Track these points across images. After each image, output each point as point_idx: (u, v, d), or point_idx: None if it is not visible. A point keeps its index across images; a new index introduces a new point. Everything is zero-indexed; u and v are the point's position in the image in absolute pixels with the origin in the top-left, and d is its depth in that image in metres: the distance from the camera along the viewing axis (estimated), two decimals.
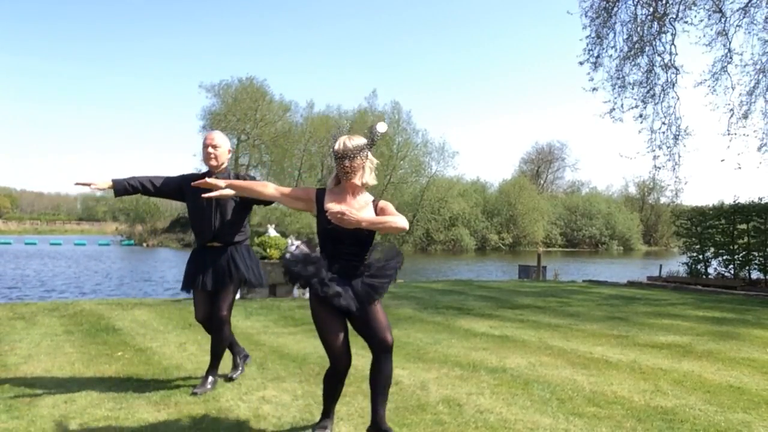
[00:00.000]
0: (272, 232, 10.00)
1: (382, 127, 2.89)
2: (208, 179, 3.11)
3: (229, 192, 3.22)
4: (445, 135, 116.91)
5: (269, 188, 3.00)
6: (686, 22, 11.96)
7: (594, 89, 12.56)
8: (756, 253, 12.85)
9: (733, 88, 12.06)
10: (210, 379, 3.79)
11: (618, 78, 12.51)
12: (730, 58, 11.91)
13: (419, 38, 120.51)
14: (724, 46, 11.91)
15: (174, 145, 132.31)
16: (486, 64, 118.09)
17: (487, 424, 3.12)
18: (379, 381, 2.87)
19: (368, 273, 2.92)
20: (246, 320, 6.74)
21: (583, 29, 12.60)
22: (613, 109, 12.53)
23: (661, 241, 70.26)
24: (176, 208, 67.63)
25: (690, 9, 11.99)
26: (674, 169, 12.69)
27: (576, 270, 29.54)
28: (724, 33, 11.80)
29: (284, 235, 10.26)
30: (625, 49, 12.40)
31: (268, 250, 9.38)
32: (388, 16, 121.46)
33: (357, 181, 2.85)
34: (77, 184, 3.80)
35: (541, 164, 77.18)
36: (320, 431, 2.99)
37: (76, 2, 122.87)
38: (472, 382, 3.98)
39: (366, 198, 2.93)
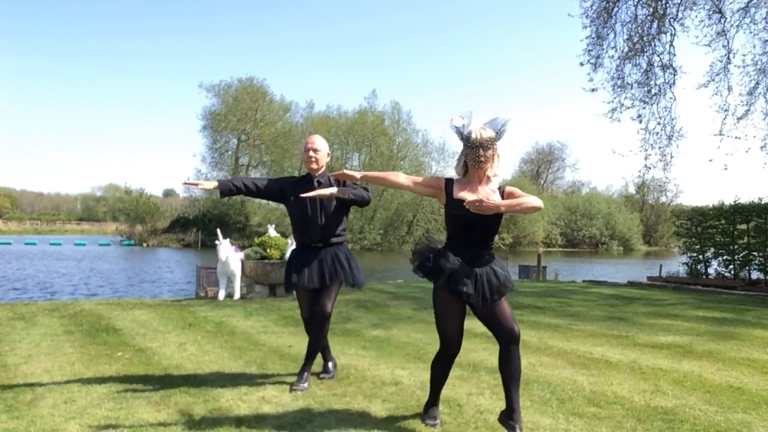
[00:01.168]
0: (272, 232, 10.00)
1: (459, 121, 2.98)
2: (319, 191, 3.63)
3: (328, 192, 3.64)
4: (445, 135, 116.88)
5: (401, 177, 3.09)
6: (683, 25, 11.97)
7: (594, 90, 12.57)
8: (756, 253, 12.84)
9: (730, 89, 12.07)
10: (305, 375, 3.87)
11: (618, 78, 12.52)
12: (729, 58, 11.92)
13: (419, 38, 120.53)
14: (724, 46, 11.92)
15: (174, 145, 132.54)
16: (486, 65, 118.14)
17: (487, 424, 3.12)
18: (511, 372, 2.94)
19: (495, 263, 3.01)
20: (246, 320, 6.74)
21: (584, 29, 12.62)
22: (614, 109, 12.54)
23: (661, 242, 70.26)
24: (176, 208, 67.76)
25: (690, 9, 12.00)
26: (665, 169, 12.71)
27: (576, 270, 29.54)
28: (723, 33, 11.81)
29: (284, 235, 10.25)
30: (625, 49, 12.41)
31: (268, 250, 9.38)
32: (388, 16, 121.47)
33: (489, 171, 2.94)
34: (185, 184, 4.17)
35: (541, 164, 77.18)
36: (431, 421, 3.09)
37: (76, 2, 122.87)
38: (472, 382, 3.98)
39: (492, 186, 3.00)
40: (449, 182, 3.01)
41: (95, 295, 15.84)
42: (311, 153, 4.03)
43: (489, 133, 2.90)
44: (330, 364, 4.19)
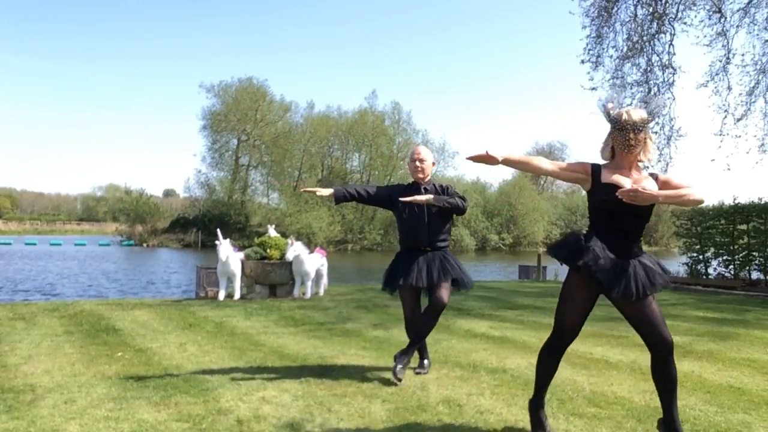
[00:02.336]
0: (272, 232, 10.00)
1: (608, 101, 2.82)
2: (416, 196, 3.97)
3: (423, 198, 3.99)
4: (445, 135, 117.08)
5: (544, 162, 2.92)
6: (685, 23, 11.96)
7: (593, 88, 12.56)
8: (756, 254, 12.84)
9: (730, 89, 12.06)
10: (405, 360, 3.97)
11: (617, 77, 12.51)
12: (729, 58, 11.91)
13: (419, 38, 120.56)
14: (724, 46, 11.92)
15: (174, 145, 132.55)
16: (486, 65, 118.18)
17: (487, 425, 3.12)
18: (670, 386, 2.74)
19: (645, 256, 2.78)
20: (246, 320, 6.73)
21: (584, 29, 12.62)
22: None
23: (661, 241, 70.17)
24: (176, 208, 67.73)
25: (690, 9, 12.00)
26: (664, 170, 12.69)
27: None
28: (723, 33, 11.81)
29: (284, 235, 10.25)
30: (625, 48, 12.41)
31: (268, 250, 9.38)
32: (388, 17, 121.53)
33: (641, 155, 2.76)
34: (304, 191, 4.48)
35: None
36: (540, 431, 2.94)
37: (76, 2, 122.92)
38: (472, 382, 3.98)
39: (643, 172, 2.84)
40: (596, 167, 2.80)
41: (101, 296, 15.82)
42: (417, 163, 4.25)
43: (641, 115, 2.70)
44: (426, 362, 4.31)
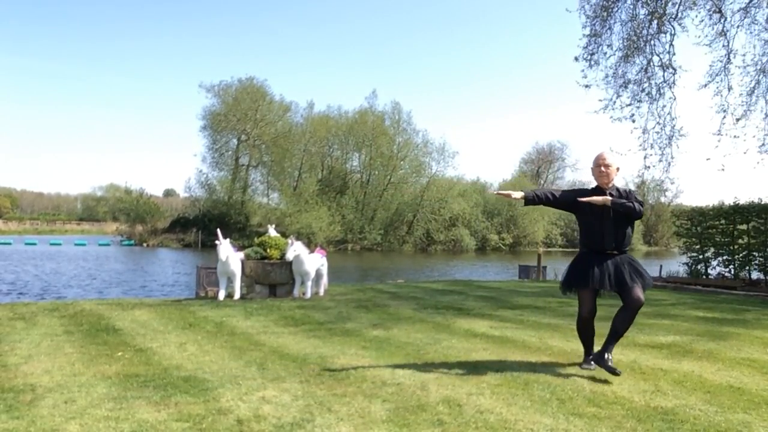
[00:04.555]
0: (272, 232, 10.00)
1: None
2: (594, 197, 4.13)
3: (601, 199, 4.12)
4: (445, 135, 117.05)
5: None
6: (682, 26, 11.95)
7: (587, 86, 12.53)
8: (756, 254, 12.84)
9: (730, 89, 12.04)
10: (607, 356, 4.14)
11: (615, 77, 12.49)
12: (729, 58, 11.90)
13: (419, 38, 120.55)
14: (724, 46, 11.90)
15: (174, 145, 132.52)
16: (486, 64, 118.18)
17: (487, 424, 3.12)
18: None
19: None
20: (246, 320, 6.73)
21: (583, 28, 12.60)
22: (608, 107, 12.49)
23: (661, 241, 70.21)
24: (176, 208, 67.74)
25: (690, 9, 11.98)
26: (666, 169, 12.68)
27: None
28: (723, 33, 11.79)
29: (284, 235, 10.25)
30: (623, 48, 12.39)
31: (268, 250, 9.38)
32: (388, 16, 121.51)
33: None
34: (498, 194, 4.57)
35: (542, 164, 77.15)
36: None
37: (76, 2, 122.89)
38: (472, 382, 3.98)
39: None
40: None
41: (105, 295, 15.81)
42: (603, 168, 4.30)
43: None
44: (591, 359, 4.38)
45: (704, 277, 14.03)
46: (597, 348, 4.38)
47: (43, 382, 3.91)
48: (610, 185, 4.34)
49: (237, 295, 9.00)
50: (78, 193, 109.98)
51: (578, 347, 5.20)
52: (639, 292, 4.15)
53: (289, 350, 5.02)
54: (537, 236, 60.04)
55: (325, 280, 9.91)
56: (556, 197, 4.42)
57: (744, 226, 13.04)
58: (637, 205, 4.22)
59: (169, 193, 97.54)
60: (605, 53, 12.43)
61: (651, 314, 7.52)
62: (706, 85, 12.21)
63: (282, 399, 3.56)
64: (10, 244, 46.90)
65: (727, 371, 4.37)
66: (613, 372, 4.04)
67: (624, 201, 4.20)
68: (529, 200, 4.35)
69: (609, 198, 4.18)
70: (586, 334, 4.42)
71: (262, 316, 7.03)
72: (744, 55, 12.06)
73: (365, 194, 55.38)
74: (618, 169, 4.37)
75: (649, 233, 70.90)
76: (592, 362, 4.33)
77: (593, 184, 4.42)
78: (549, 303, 8.65)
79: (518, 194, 4.34)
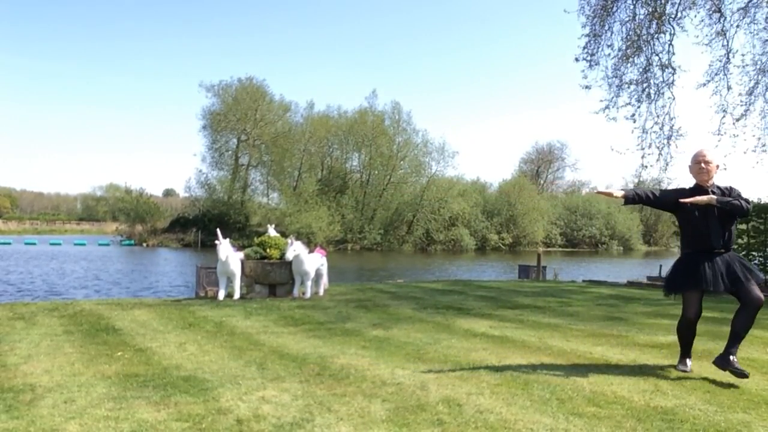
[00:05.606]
0: (272, 232, 10.00)
1: None
2: (697, 198, 4.04)
3: (705, 199, 4.04)
4: (445, 135, 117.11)
5: None
6: (683, 24, 11.94)
7: (587, 87, 12.52)
8: (756, 254, 12.83)
9: (729, 89, 12.04)
10: (732, 358, 4.08)
11: (615, 77, 12.49)
12: (729, 58, 11.89)
13: (419, 38, 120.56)
14: (723, 46, 11.90)
15: (174, 145, 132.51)
16: (486, 64, 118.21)
17: (487, 424, 3.12)
18: None
19: None
20: (246, 320, 6.73)
21: (583, 28, 12.59)
22: (608, 107, 12.48)
23: (661, 241, 70.23)
24: (176, 208, 67.67)
25: (689, 9, 11.98)
26: (664, 169, 12.67)
27: (576, 270, 29.54)
28: (723, 33, 11.79)
29: (284, 235, 10.25)
30: (623, 47, 12.38)
31: (267, 250, 9.37)
32: (388, 16, 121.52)
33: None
34: (599, 192, 4.50)
35: (541, 164, 77.19)
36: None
37: (76, 2, 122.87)
38: (472, 382, 3.98)
39: None
40: None
41: (108, 295, 15.78)
42: (703, 165, 4.23)
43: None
44: (689, 360, 4.41)
45: None
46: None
47: (43, 382, 3.91)
48: (710, 183, 4.26)
49: (237, 295, 9.00)
50: (78, 193, 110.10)
51: (577, 347, 5.21)
52: (757, 290, 4.07)
53: (288, 350, 5.02)
54: (537, 236, 60.02)
55: (324, 279, 9.92)
56: (656, 197, 4.36)
57: (744, 226, 13.03)
58: (743, 202, 4.14)
59: (168, 193, 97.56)
60: (608, 54, 12.42)
61: (651, 314, 7.53)
62: (705, 84, 12.21)
63: (282, 399, 3.56)
64: (9, 244, 46.90)
65: (727, 371, 4.36)
66: (741, 374, 3.95)
67: (730, 199, 4.13)
68: (629, 199, 4.31)
69: (714, 197, 4.09)
70: (688, 336, 4.39)
71: (261, 316, 7.03)
72: (743, 54, 12.07)
73: (365, 194, 55.38)
74: (718, 166, 4.31)
75: (648, 233, 70.92)
76: (689, 363, 4.36)
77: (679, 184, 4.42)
78: (549, 303, 8.65)
79: (619, 193, 4.30)
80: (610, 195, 4.31)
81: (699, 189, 4.26)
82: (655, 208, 4.54)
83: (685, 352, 4.44)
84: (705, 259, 4.19)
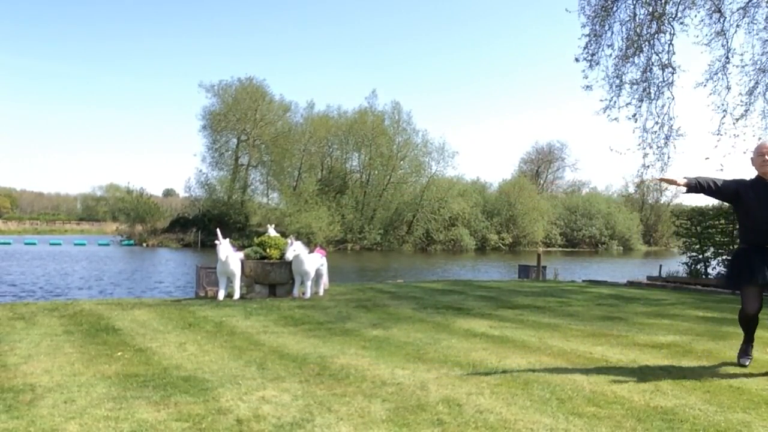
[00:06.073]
0: (272, 232, 9.99)
1: None
2: (668, 176, 4.07)
3: (676, 180, 4.04)
4: (445, 135, 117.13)
5: None
6: (683, 23, 11.93)
7: (588, 87, 12.52)
8: None
9: (729, 89, 12.03)
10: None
11: (615, 77, 12.48)
12: (728, 58, 11.89)
13: (419, 38, 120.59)
14: (723, 46, 11.90)
15: (174, 145, 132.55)
16: (486, 64, 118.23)
17: (486, 424, 3.12)
18: None
19: None
20: (246, 320, 6.73)
21: (582, 28, 12.59)
22: (608, 107, 12.48)
23: (661, 241, 70.22)
24: (176, 208, 67.62)
25: (689, 9, 11.97)
26: (663, 169, 12.65)
27: (576, 270, 29.54)
28: (723, 33, 11.79)
29: (284, 235, 10.25)
30: (623, 47, 12.38)
31: (267, 250, 9.37)
32: (388, 16, 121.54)
33: None
34: (661, 179, 4.47)
35: (541, 164, 77.19)
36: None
37: (76, 2, 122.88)
38: (471, 382, 3.98)
39: None
40: None
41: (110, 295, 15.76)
42: (766, 157, 4.18)
43: None
44: (750, 349, 4.45)
45: (704, 276, 14.02)
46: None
47: (43, 382, 3.91)
48: None
49: (237, 295, 9.00)
50: (78, 193, 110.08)
51: (577, 347, 5.21)
52: None
53: (288, 350, 5.02)
54: (536, 236, 60.01)
55: (324, 279, 9.92)
56: (718, 186, 4.29)
57: None
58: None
59: (168, 193, 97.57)
60: (609, 54, 12.42)
61: (651, 314, 7.53)
62: (704, 84, 12.21)
63: (282, 399, 3.56)
64: (9, 244, 46.88)
65: (727, 371, 4.36)
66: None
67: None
68: (692, 187, 4.26)
69: (685, 178, 4.11)
70: (750, 327, 4.39)
71: (261, 316, 7.03)
72: (743, 54, 12.07)
73: (365, 194, 55.38)
74: None
75: (648, 233, 70.92)
76: (749, 355, 4.40)
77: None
78: (549, 303, 8.65)
79: (683, 180, 4.23)
80: (674, 182, 4.26)
81: (760, 181, 4.22)
82: (716, 198, 4.50)
83: (748, 339, 4.43)
84: (758, 253, 4.16)
